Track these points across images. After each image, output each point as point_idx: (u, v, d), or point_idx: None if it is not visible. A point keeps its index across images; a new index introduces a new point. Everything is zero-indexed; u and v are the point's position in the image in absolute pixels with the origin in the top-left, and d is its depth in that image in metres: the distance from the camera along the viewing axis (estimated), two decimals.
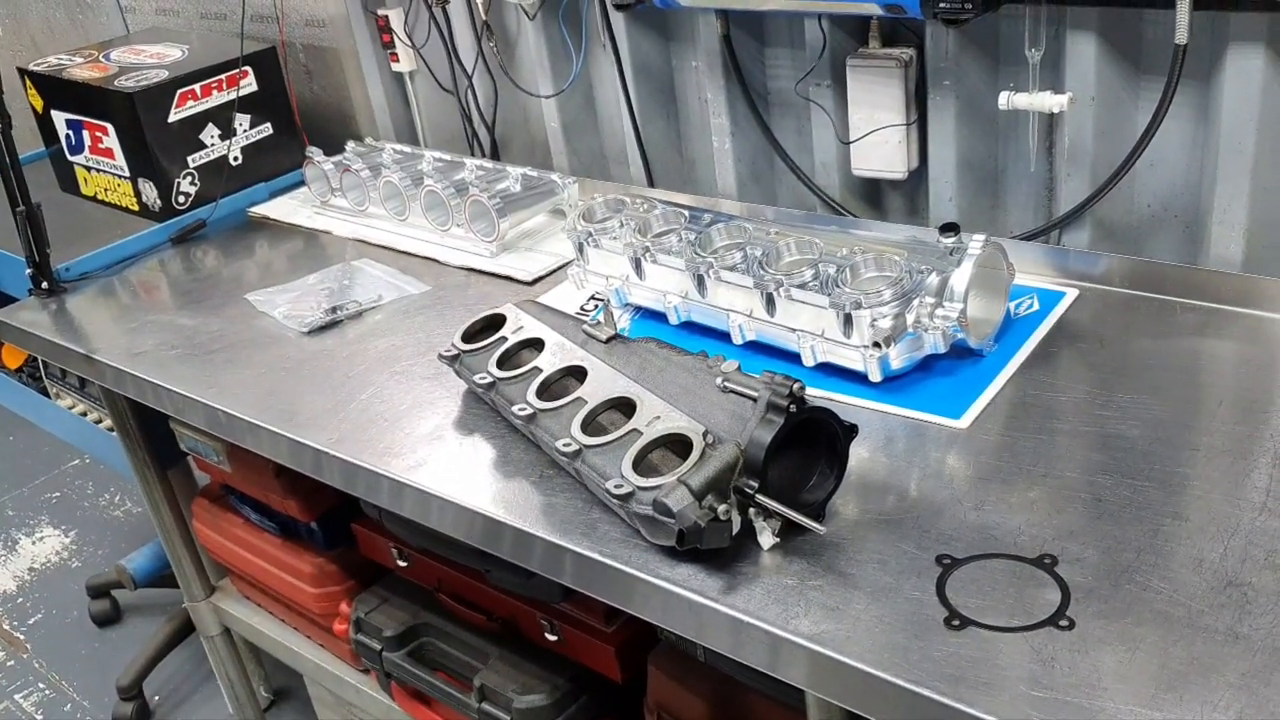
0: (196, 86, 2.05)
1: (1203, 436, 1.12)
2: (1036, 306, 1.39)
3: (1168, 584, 0.93)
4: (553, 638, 1.51)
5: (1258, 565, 0.94)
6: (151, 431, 1.95)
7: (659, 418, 1.10)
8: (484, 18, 2.03)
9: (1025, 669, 0.88)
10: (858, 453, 1.10)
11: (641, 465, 1.07)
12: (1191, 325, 1.31)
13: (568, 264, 1.63)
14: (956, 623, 0.92)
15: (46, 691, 2.61)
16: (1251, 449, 1.08)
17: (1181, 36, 1.27)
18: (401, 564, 1.68)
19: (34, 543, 3.10)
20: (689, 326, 1.46)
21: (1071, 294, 1.40)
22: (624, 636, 1.45)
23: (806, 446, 1.06)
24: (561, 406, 1.19)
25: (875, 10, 1.45)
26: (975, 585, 0.96)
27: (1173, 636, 0.88)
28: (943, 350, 1.27)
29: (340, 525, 1.78)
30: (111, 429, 2.06)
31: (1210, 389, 1.23)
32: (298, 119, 2.22)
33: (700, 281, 1.39)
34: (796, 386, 1.01)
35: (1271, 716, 0.81)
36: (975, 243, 1.26)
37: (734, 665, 1.28)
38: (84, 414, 2.40)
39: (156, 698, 2.54)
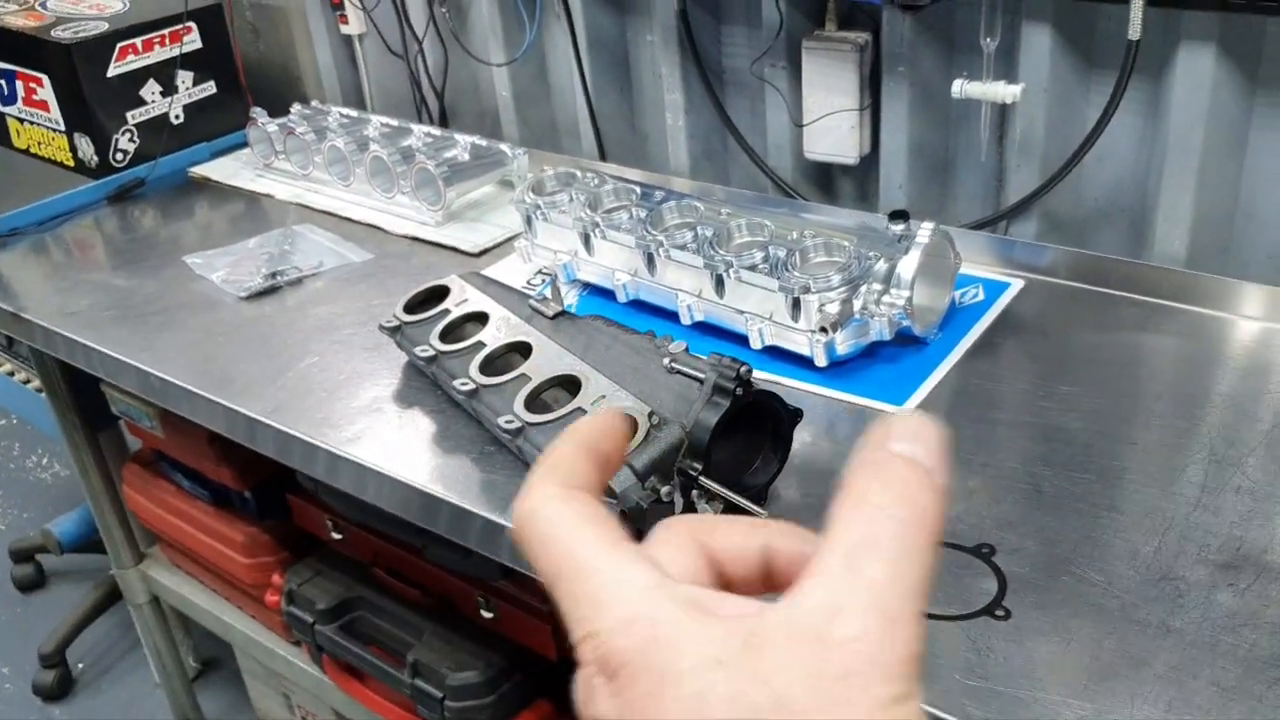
0: (138, 41, 1.99)
1: (1141, 431, 1.13)
2: (982, 296, 1.39)
3: (1103, 576, 0.94)
4: (488, 615, 1.50)
5: (1191, 560, 0.95)
6: (82, 394, 1.90)
7: (604, 397, 1.09)
8: None
9: (961, 658, 0.88)
10: (801, 437, 1.09)
11: None
12: (1134, 320, 1.32)
13: (514, 237, 1.60)
14: None
15: None
16: (1189, 445, 1.10)
17: (1134, 32, 1.28)
18: (336, 536, 1.65)
19: None
20: (637, 305, 1.44)
21: (1017, 285, 1.41)
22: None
23: (751, 430, 1.05)
24: (505, 382, 1.17)
25: None
26: None
27: (1106, 628, 0.89)
28: (888, 337, 1.26)
29: (275, 495, 1.74)
30: (40, 390, 2.01)
31: (1150, 384, 1.24)
32: (242, 78, 2.16)
33: (650, 260, 1.38)
34: (744, 370, 1.00)
35: (1199, 709, 0.82)
36: (924, 231, 1.26)
37: None
38: (11, 374, 2.33)
39: (80, 665, 2.49)
